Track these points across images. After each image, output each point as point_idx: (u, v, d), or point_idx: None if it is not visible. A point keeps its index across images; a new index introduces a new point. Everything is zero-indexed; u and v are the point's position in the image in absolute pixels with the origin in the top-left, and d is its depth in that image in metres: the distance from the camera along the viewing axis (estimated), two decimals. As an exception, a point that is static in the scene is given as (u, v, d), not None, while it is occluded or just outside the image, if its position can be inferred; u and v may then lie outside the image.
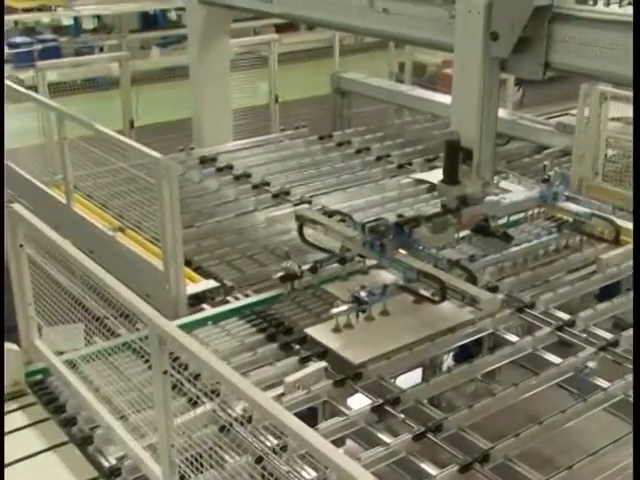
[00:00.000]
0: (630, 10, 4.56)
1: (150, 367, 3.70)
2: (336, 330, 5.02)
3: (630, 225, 6.18)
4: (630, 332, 5.25)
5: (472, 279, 5.36)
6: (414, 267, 5.26)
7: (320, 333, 5.10)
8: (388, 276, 5.61)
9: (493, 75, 5.07)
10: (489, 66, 5.00)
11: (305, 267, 5.62)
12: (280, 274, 5.55)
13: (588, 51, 4.66)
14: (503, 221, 6.55)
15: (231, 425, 3.93)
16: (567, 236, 6.32)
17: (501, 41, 4.79)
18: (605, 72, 4.71)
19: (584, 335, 5.22)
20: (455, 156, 5.17)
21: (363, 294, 5.05)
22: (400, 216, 5.94)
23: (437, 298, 5.17)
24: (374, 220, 5.66)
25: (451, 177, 5.25)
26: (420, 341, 5.06)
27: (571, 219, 6.48)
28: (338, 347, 4.93)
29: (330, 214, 6.21)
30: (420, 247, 5.50)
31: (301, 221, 6.05)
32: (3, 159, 6.04)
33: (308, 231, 6.06)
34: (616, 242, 6.21)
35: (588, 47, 4.65)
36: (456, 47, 5.14)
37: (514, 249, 6.09)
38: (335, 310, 5.02)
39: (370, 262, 5.78)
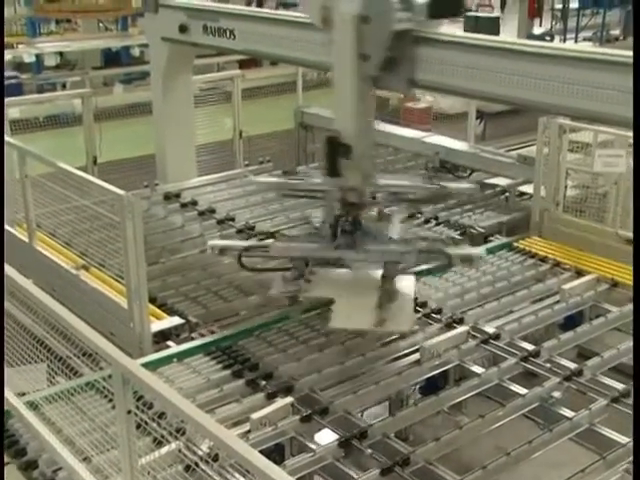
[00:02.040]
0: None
1: (114, 407, 3.65)
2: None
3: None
4: (594, 361, 5.32)
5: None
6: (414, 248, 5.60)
7: None
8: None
9: (367, 89, 5.51)
10: (362, 83, 5.40)
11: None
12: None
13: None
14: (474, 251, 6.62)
15: (197, 464, 3.88)
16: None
17: (370, 61, 5.24)
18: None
19: (548, 365, 5.26)
20: (335, 151, 5.55)
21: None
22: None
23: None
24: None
25: (332, 170, 5.60)
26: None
27: (540, 253, 6.49)
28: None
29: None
30: (389, 235, 5.79)
31: (223, 253, 6.14)
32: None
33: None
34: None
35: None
36: (334, 67, 5.51)
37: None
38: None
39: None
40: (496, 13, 20.34)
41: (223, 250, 6.08)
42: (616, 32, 21.35)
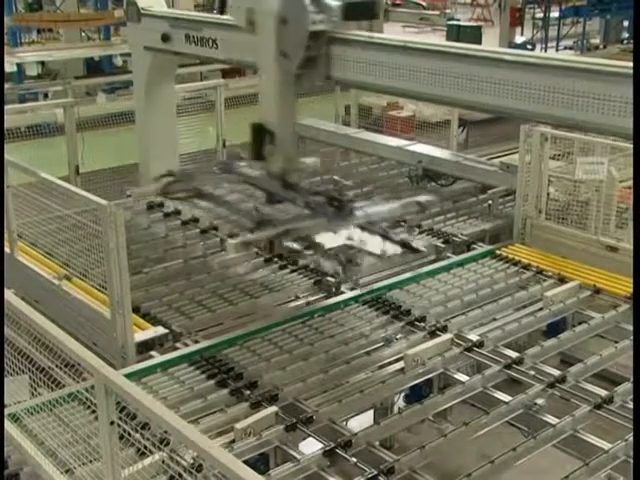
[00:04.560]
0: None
1: (97, 418, 3.63)
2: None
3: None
4: (577, 368, 5.34)
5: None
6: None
7: None
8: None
9: (289, 85, 5.82)
10: (284, 79, 5.75)
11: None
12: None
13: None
14: (452, 260, 6.65)
15: (180, 475, 3.85)
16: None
17: (289, 59, 5.60)
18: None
19: (532, 372, 5.28)
20: (260, 137, 5.96)
21: None
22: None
23: None
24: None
25: (257, 155, 6.03)
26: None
27: (524, 260, 6.50)
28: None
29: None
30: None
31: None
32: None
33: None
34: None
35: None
36: (259, 64, 5.93)
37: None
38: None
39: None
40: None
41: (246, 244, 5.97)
42: (596, 41, 21.55)
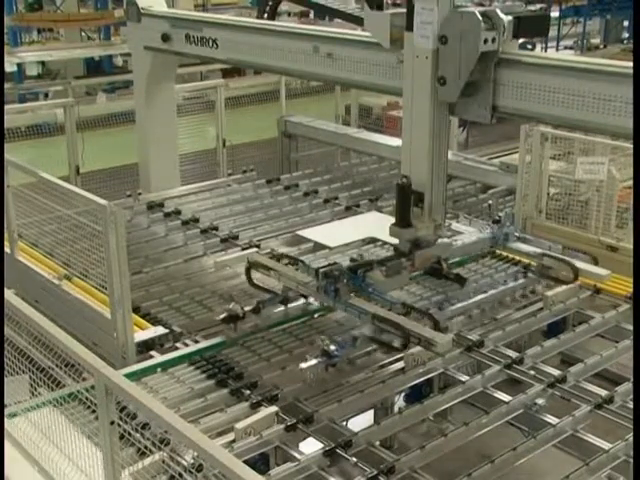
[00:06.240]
0: (568, 56, 4.76)
1: (97, 417, 3.63)
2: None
3: (582, 264, 6.32)
4: (577, 368, 5.34)
5: (434, 323, 5.30)
6: (369, 311, 5.25)
7: None
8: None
9: (442, 119, 5.09)
10: (438, 110, 5.01)
11: (247, 308, 5.64)
12: (222, 315, 5.57)
13: (534, 95, 4.69)
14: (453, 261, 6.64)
15: (180, 475, 3.85)
16: (534, 282, 6.40)
17: (449, 86, 4.81)
18: (550, 115, 4.75)
19: (532, 372, 5.27)
20: (407, 199, 5.19)
21: (332, 347, 5.05)
22: (353, 260, 5.93)
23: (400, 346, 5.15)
24: (328, 265, 5.66)
25: (403, 220, 5.24)
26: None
27: (524, 260, 6.52)
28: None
29: (279, 258, 6.19)
30: (373, 291, 5.48)
31: (254, 266, 6.02)
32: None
33: (256, 275, 6.05)
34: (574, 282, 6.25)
35: (534, 91, 4.68)
36: (404, 92, 5.14)
37: (481, 297, 6.12)
38: (304, 365, 5.01)
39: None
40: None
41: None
42: (596, 41, 21.56)
